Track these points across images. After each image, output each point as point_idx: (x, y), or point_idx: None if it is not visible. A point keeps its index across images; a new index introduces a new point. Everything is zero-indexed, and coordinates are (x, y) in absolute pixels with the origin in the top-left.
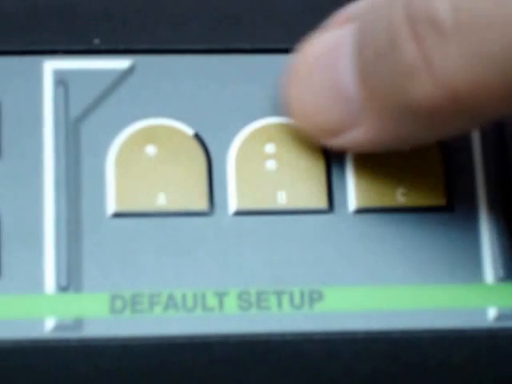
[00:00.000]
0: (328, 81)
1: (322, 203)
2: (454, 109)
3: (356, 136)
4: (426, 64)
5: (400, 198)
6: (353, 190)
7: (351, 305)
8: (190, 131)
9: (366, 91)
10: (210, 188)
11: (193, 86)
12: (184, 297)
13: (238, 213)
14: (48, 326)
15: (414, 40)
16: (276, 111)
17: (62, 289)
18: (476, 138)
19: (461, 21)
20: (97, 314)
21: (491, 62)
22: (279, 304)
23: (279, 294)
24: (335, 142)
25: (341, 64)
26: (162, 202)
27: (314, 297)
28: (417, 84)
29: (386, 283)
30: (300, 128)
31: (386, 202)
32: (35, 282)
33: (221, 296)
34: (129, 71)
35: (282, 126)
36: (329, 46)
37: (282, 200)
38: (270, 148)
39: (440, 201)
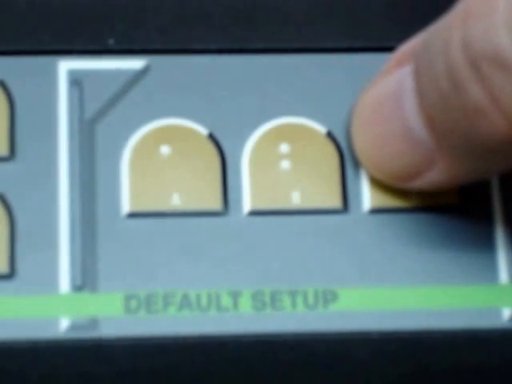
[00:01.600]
0: (396, 126)
1: (337, 203)
2: None
3: (431, 177)
4: (495, 103)
5: (414, 197)
6: (367, 190)
7: (365, 305)
8: (204, 131)
9: (435, 133)
10: (224, 188)
11: (207, 86)
12: (198, 297)
13: (253, 213)
14: (63, 326)
15: (478, 81)
16: (290, 111)
17: (77, 289)
18: None
19: None
20: (111, 314)
21: None
22: (293, 304)
23: (293, 294)
24: (411, 185)
25: (406, 108)
26: (176, 202)
27: (328, 297)
28: (487, 123)
29: (400, 283)
30: (373, 175)
31: (400, 201)
32: (50, 282)
33: (235, 296)
34: (143, 71)
35: (296, 125)
36: (391, 91)
37: (296, 200)
38: (284, 148)
39: (454, 200)
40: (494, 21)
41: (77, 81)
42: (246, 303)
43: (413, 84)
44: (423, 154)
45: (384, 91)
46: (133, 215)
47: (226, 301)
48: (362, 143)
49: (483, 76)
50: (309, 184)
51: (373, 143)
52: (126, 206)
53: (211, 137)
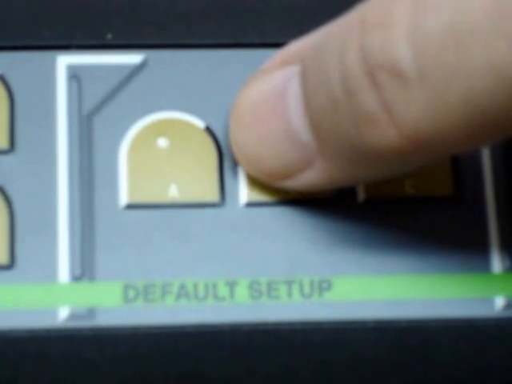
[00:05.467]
0: (276, 126)
1: (328, 193)
2: (415, 152)
3: (308, 178)
4: (388, 113)
5: (408, 188)
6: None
7: (360, 294)
8: (201, 124)
9: (319, 136)
10: (221, 180)
11: (204, 80)
12: (195, 286)
13: (249, 204)
14: (61, 316)
15: (373, 90)
16: None
17: (76, 278)
18: None
19: (423, 70)
20: (110, 304)
21: (454, 110)
22: (289, 293)
23: (289, 283)
24: (284, 184)
25: (289, 108)
26: (173, 193)
27: (324, 286)
28: (377, 132)
29: (394, 273)
30: (249, 173)
31: (394, 192)
32: (49, 272)
33: (232, 285)
34: (141, 66)
35: None
36: (275, 90)
37: (291, 191)
38: None
39: (447, 191)
40: (395, 32)
41: (75, 75)
42: (242, 292)
43: (299, 84)
44: (301, 155)
45: (266, 90)
46: (131, 206)
47: (223, 290)
48: (240, 141)
49: (379, 86)
50: None
51: (251, 141)
52: (124, 198)
53: (208, 130)
